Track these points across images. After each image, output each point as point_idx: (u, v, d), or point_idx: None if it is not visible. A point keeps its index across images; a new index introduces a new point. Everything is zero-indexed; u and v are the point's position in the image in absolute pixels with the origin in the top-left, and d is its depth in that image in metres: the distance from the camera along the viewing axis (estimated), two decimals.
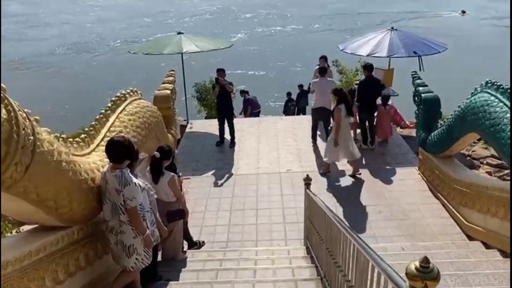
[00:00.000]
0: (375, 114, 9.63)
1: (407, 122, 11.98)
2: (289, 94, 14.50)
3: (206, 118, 13.89)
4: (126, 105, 5.52)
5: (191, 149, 9.96)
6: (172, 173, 5.19)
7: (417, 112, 8.25)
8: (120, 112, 5.32)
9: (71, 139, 4.13)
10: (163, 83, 8.28)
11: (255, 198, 7.64)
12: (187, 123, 11.54)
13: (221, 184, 8.24)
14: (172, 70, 8.74)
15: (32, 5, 47.72)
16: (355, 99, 9.15)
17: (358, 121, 9.52)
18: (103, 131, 4.85)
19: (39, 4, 48.52)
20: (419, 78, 8.46)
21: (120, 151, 3.94)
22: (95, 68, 26.79)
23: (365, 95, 9.18)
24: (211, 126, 11.09)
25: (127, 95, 5.68)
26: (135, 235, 3.98)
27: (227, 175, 8.58)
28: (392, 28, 10.64)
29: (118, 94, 5.50)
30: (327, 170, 8.49)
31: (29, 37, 35.56)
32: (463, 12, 42.23)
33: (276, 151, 9.66)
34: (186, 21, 38.96)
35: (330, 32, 33.90)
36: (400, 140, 9.98)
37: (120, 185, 3.86)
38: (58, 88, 22.64)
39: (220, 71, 9.40)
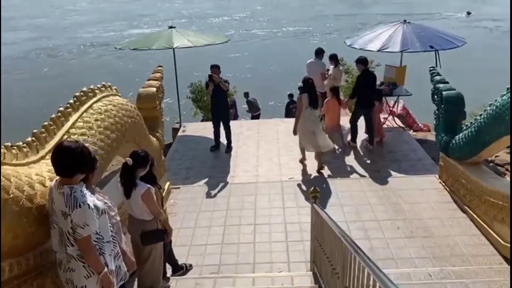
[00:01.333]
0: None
1: (420, 125, 10.98)
2: (290, 96, 13.53)
3: (202, 121, 12.91)
4: (94, 102, 4.53)
5: (182, 154, 8.96)
6: (148, 185, 4.18)
7: (437, 112, 7.23)
8: (85, 111, 4.34)
9: (9, 144, 3.15)
10: (149, 80, 7.29)
11: (252, 212, 6.63)
12: (180, 126, 10.55)
13: (215, 195, 7.22)
14: (160, 66, 7.76)
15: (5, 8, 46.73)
16: (351, 95, 8.92)
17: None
18: (60, 133, 3.86)
19: (14, 7, 47.79)
20: (439, 74, 7.46)
21: (69, 161, 2.96)
22: (68, 71, 25.40)
23: (363, 90, 8.49)
24: (206, 129, 10.08)
25: (97, 91, 4.69)
26: (88, 274, 2.98)
27: (221, 184, 7.57)
28: (405, 20, 9.64)
29: (84, 89, 4.51)
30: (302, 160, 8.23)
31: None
32: (468, 13, 41.44)
33: (277, 156, 8.66)
34: (161, 25, 37.86)
35: (336, 34, 32.85)
36: (415, 144, 8.97)
37: (68, 206, 2.87)
38: (28, 92, 21.30)
39: (214, 68, 8.42)
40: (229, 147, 9.00)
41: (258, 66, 24.52)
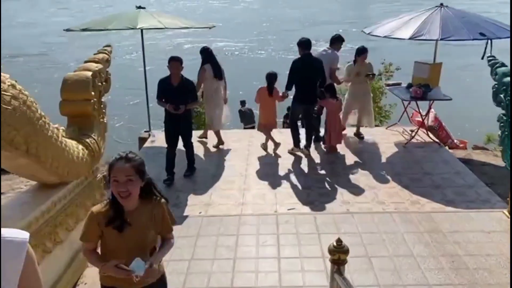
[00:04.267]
0: (317, 108, 7.47)
1: (455, 141, 8.66)
2: (242, 103, 11.29)
3: None
4: None
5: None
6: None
7: (503, 118, 4.94)
8: None
9: None
10: (86, 62, 4.99)
11: (229, 264, 4.24)
12: (149, 135, 8.21)
13: (176, 235, 4.83)
14: (108, 45, 5.45)
15: None
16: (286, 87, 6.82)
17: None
18: None
19: None
20: (503, 65, 5.21)
21: None
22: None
23: (301, 80, 6.67)
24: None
25: None
26: None
27: (188, 217, 5.20)
28: (441, 4, 7.41)
29: None
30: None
31: None
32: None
33: (272, 177, 6.31)
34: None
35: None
36: (459, 165, 6.63)
37: None
38: None
39: (174, 61, 5.90)
40: (190, 169, 6.44)
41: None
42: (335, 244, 2.73)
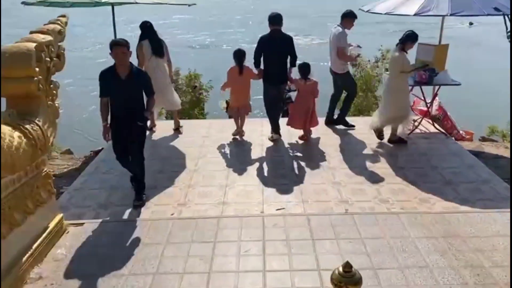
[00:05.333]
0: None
1: (461, 132, 7.90)
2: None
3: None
4: None
5: (110, 166, 5.67)
6: None
7: None
8: None
9: None
10: (32, 32, 4.11)
11: (203, 280, 3.42)
12: None
13: (141, 241, 4.00)
14: (62, 16, 4.56)
15: None
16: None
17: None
18: None
19: None
20: None
21: None
22: None
23: (269, 59, 6.18)
24: (161, 130, 7.02)
25: None
26: None
27: (156, 220, 4.37)
28: None
29: None
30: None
31: None
32: (471, 24, 39.39)
33: (259, 172, 5.49)
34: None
35: None
36: (470, 158, 5.86)
37: None
38: None
39: (118, 47, 4.31)
40: (139, 195, 4.79)
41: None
42: (341, 270, 1.90)
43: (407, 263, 3.55)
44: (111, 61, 4.47)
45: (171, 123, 7.21)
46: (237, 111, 6.52)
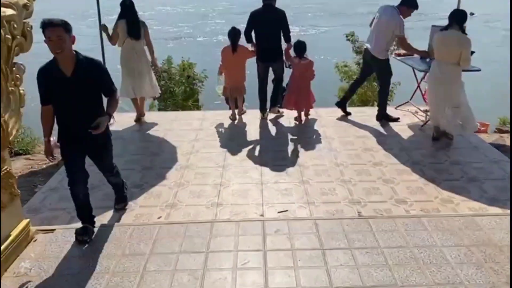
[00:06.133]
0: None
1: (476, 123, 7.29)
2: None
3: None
4: None
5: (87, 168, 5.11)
6: None
7: None
8: None
9: None
10: None
11: None
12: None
13: (120, 250, 3.40)
14: None
15: None
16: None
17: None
18: None
19: None
20: None
21: None
22: None
23: (261, 35, 6.00)
24: (154, 122, 6.45)
25: None
26: None
27: (140, 226, 3.77)
28: None
29: None
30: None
31: None
32: (472, 13, 38.79)
33: (258, 168, 4.90)
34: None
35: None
36: (494, 152, 5.28)
37: None
38: None
39: (52, 28, 3.09)
40: (121, 199, 4.08)
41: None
42: None
43: (438, 279, 2.96)
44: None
45: (163, 115, 6.62)
46: (232, 92, 6.32)
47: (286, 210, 4.00)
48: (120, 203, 4.07)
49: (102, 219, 3.91)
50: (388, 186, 4.44)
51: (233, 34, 6.02)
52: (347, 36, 9.93)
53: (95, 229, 3.65)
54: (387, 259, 3.18)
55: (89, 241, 3.49)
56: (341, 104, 6.56)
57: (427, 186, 4.44)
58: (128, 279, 3.03)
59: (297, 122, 6.30)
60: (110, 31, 6.08)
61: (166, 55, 9.68)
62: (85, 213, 3.61)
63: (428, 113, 6.37)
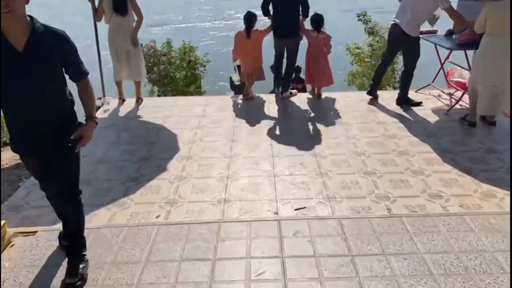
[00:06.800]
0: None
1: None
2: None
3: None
4: None
5: (83, 153, 4.58)
6: None
7: None
8: None
9: None
10: None
11: None
12: (102, 103, 6.13)
13: (107, 261, 2.88)
14: None
15: None
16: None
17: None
18: None
19: None
20: None
21: None
22: None
23: (279, 10, 5.73)
24: (154, 107, 5.90)
25: None
26: None
27: (135, 227, 3.24)
28: None
29: None
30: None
31: None
32: None
33: (269, 158, 4.36)
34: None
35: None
36: None
37: None
38: None
39: None
40: (73, 268, 2.62)
41: None
42: None
43: None
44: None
45: (162, 100, 6.07)
46: (249, 77, 6.11)
47: (304, 207, 3.47)
48: (72, 274, 2.57)
49: (91, 218, 3.39)
50: (418, 178, 3.89)
51: (248, 18, 5.81)
52: (358, 16, 9.32)
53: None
54: (430, 267, 2.64)
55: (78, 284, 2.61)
56: (373, 91, 5.95)
57: (463, 178, 3.89)
58: None
59: (311, 97, 6.14)
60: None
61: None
62: (67, 227, 2.77)
63: (452, 96, 5.82)
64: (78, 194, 2.67)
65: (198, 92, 9.03)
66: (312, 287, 2.51)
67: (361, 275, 2.59)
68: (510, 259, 2.65)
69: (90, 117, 2.49)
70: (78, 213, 2.69)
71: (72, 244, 2.71)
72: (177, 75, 8.80)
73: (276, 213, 3.41)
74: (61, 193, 2.59)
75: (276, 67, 6.17)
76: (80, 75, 2.45)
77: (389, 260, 2.71)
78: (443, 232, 2.99)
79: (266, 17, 5.89)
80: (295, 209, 3.45)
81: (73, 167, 2.59)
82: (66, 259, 2.65)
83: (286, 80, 6.11)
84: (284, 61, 6.06)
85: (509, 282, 2.51)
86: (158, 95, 8.70)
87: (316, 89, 6.15)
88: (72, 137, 2.38)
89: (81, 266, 2.63)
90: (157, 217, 3.40)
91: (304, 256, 2.77)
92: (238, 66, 7.25)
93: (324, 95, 6.12)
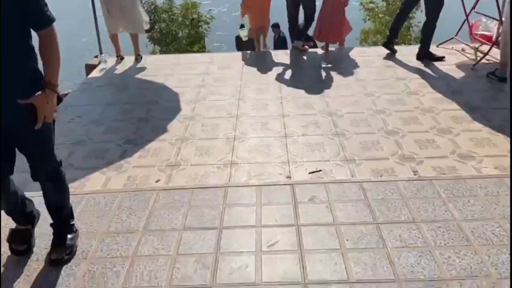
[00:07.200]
0: None
1: None
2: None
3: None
4: None
5: (77, 113, 4.21)
6: None
7: None
8: None
9: None
10: None
11: None
12: (99, 61, 5.71)
13: (99, 231, 2.56)
14: None
15: None
16: None
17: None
18: None
19: None
20: None
21: None
22: None
23: None
24: (154, 64, 5.49)
25: None
26: None
27: (132, 192, 2.90)
28: None
29: None
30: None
31: None
32: None
33: (278, 117, 3.98)
34: None
35: None
36: None
37: None
38: None
39: None
40: (60, 243, 2.26)
41: None
42: None
43: None
44: None
45: (162, 58, 5.64)
46: (257, 33, 5.99)
47: (320, 170, 3.11)
48: (60, 249, 2.24)
49: (84, 183, 3.06)
50: (446, 137, 3.50)
51: None
52: None
53: (74, 198, 2.74)
54: (469, 237, 2.30)
55: (30, 249, 2.31)
56: (389, 42, 5.49)
57: (495, 137, 3.50)
58: (111, 269, 2.19)
59: (324, 52, 5.81)
60: None
61: None
62: (17, 213, 2.26)
63: (477, 51, 5.34)
64: (58, 164, 2.17)
65: (202, 51, 8.56)
66: (333, 259, 2.18)
67: (389, 245, 2.25)
68: (510, 255, 2.28)
69: (47, 84, 1.88)
70: (61, 190, 2.26)
71: (60, 220, 2.33)
72: (179, 33, 8.32)
73: (288, 176, 3.06)
74: (38, 169, 2.10)
75: (291, 30, 5.94)
76: (42, 24, 1.84)
77: (421, 229, 2.36)
78: (480, 197, 2.63)
79: None
80: (310, 172, 3.10)
81: (46, 133, 2.01)
82: (51, 229, 2.33)
83: (302, 31, 5.74)
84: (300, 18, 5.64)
85: None
86: (160, 53, 8.27)
87: (328, 45, 5.78)
88: (20, 101, 1.84)
89: (69, 237, 2.31)
90: (157, 181, 3.07)
91: (322, 224, 2.43)
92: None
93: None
